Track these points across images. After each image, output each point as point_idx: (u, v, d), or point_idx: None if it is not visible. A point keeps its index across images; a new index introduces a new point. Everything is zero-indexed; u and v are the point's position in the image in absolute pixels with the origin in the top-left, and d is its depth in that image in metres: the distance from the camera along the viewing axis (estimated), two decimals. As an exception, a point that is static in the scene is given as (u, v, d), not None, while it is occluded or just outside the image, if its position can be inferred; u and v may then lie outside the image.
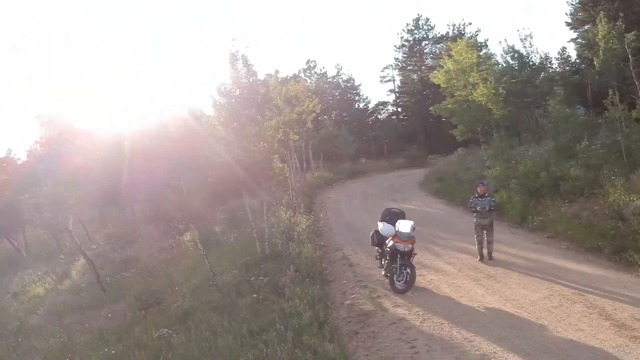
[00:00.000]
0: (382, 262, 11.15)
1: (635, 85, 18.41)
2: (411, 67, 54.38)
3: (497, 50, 74.05)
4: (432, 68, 43.68)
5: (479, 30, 48.50)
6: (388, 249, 10.47)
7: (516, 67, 25.27)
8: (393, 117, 55.90)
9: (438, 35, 52.11)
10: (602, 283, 9.10)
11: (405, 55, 54.09)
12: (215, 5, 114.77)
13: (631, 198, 11.85)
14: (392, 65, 54.49)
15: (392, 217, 11.09)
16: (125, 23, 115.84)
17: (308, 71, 53.36)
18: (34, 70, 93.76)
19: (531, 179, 16.01)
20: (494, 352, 6.85)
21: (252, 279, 11.85)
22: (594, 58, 19.32)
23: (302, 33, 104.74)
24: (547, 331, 7.31)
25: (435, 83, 29.31)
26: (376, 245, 11.40)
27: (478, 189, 11.73)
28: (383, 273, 10.98)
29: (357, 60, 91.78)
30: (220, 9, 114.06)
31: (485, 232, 11.53)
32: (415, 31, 52.73)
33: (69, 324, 13.48)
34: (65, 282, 19.50)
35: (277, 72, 40.98)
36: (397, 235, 10.29)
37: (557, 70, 29.57)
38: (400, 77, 54.84)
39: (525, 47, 25.30)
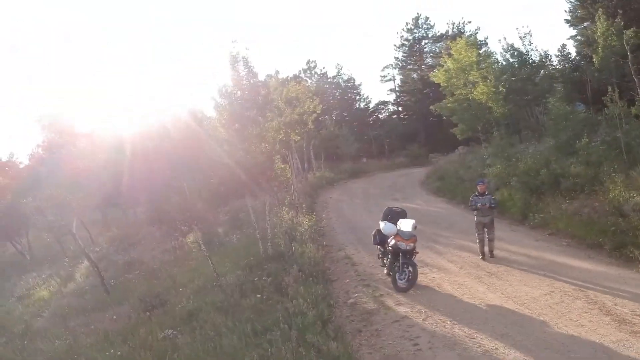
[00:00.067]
0: (385, 261, 11.23)
1: (634, 82, 18.45)
2: (411, 66, 54.41)
3: (496, 48, 74.35)
4: (432, 67, 43.75)
5: (478, 29, 48.55)
6: (390, 248, 10.55)
7: (516, 65, 25.31)
8: (394, 117, 55.94)
9: (438, 34, 52.15)
10: (603, 279, 9.18)
11: (405, 55, 54.14)
12: (215, 5, 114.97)
13: (631, 194, 11.90)
14: (392, 65, 54.58)
15: (393, 216, 11.17)
16: (125, 23, 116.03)
17: (308, 71, 53.46)
18: (34, 71, 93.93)
19: (532, 177, 16.06)
20: (496, 349, 6.93)
21: (255, 279, 11.93)
22: (593, 55, 19.37)
23: (302, 33, 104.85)
24: (549, 327, 7.39)
25: (435, 82, 29.38)
26: (378, 244, 11.49)
27: (478, 187, 11.79)
28: (385, 272, 11.06)
29: (357, 60, 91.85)
30: (220, 9, 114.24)
31: (486, 230, 11.60)
32: (415, 30, 52.76)
33: (74, 327, 13.56)
34: (70, 284, 19.61)
35: (277, 72, 41.16)
36: (398, 234, 10.37)
37: (557, 67, 29.61)
38: (401, 77, 54.90)
39: (524, 45, 25.37)
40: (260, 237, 14.47)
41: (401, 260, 10.24)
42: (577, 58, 28.51)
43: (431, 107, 30.96)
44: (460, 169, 25.01)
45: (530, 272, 10.17)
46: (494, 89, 23.42)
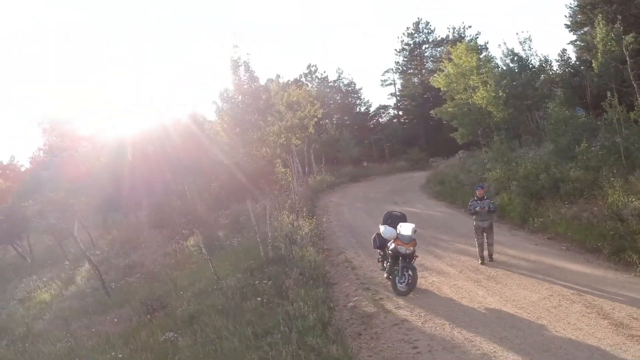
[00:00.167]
0: (384, 265, 11.30)
1: (633, 87, 18.54)
2: (412, 71, 54.61)
3: (497, 52, 74.42)
4: (432, 71, 43.91)
5: (478, 34, 48.86)
6: (390, 252, 10.61)
7: (516, 70, 25.40)
8: (394, 121, 56.09)
9: (438, 39, 52.35)
10: (601, 283, 9.24)
11: (406, 59, 54.33)
12: (215, 5, 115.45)
13: (630, 199, 11.95)
14: (392, 69, 54.79)
15: (393, 220, 11.25)
16: (125, 23, 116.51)
17: (309, 76, 53.60)
18: (33, 71, 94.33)
19: (531, 181, 16.14)
20: (494, 352, 6.99)
21: (256, 282, 12.00)
22: (593, 60, 19.47)
23: (302, 33, 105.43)
24: (547, 330, 7.45)
25: (436, 87, 29.50)
26: (378, 248, 11.55)
27: (477, 192, 11.87)
28: (385, 275, 11.12)
29: (357, 60, 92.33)
30: (220, 9, 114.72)
31: (485, 234, 11.66)
32: (416, 35, 52.95)
33: (75, 329, 13.61)
34: (71, 287, 19.66)
35: (278, 76, 41.33)
36: (398, 238, 10.43)
37: (557, 72, 29.71)
38: (401, 81, 55.08)
39: (524, 50, 25.47)
40: (261, 240, 14.53)
41: (401, 264, 10.31)
42: (577, 63, 28.60)
43: (431, 112, 31.09)
44: (461, 173, 25.06)
45: (529, 276, 10.24)
46: (494, 94, 23.52)
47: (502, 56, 26.61)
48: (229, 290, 11.69)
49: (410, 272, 10.25)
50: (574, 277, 9.79)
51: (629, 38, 17.78)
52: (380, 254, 11.65)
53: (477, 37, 46.76)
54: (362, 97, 56.22)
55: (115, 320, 13.34)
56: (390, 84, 55.34)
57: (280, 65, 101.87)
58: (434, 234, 15.44)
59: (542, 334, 7.35)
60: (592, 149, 15.76)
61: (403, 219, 11.34)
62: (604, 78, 19.29)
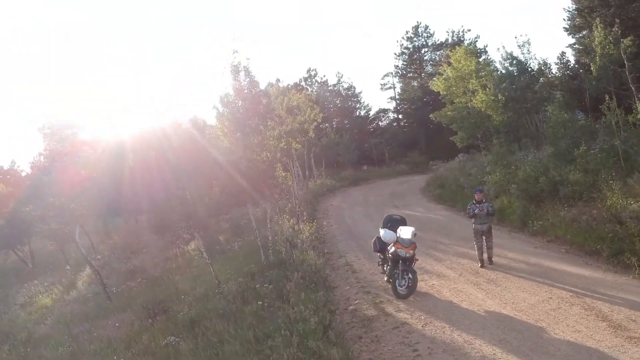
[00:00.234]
0: (385, 268, 11.36)
1: (631, 90, 18.62)
2: (411, 75, 54.77)
3: (496, 56, 74.67)
4: (432, 75, 44.03)
5: (478, 37, 48.96)
6: (390, 255, 10.67)
7: (515, 74, 25.49)
8: (394, 124, 56.19)
9: (437, 42, 52.50)
10: (600, 285, 9.30)
11: (405, 63, 54.48)
12: (215, 5, 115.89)
13: (628, 202, 12.01)
14: (392, 73, 54.91)
15: (393, 223, 11.31)
16: (125, 23, 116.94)
17: (309, 80, 53.75)
18: (34, 71, 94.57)
19: (531, 184, 16.22)
20: (494, 354, 7.05)
21: (257, 286, 12.05)
22: (591, 64, 19.55)
23: (302, 34, 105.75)
24: (546, 333, 7.51)
25: (435, 91, 29.61)
26: (378, 252, 11.62)
27: (476, 195, 11.94)
28: (385, 279, 11.18)
29: (357, 64, 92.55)
30: (220, 9, 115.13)
31: (484, 237, 11.72)
32: (415, 38, 53.12)
33: (77, 334, 13.63)
34: (72, 292, 19.67)
35: (278, 80, 41.52)
36: (398, 242, 10.50)
37: (556, 75, 29.80)
38: (401, 85, 55.22)
39: (523, 53, 25.55)
40: (262, 244, 14.60)
41: (401, 267, 10.37)
42: (576, 66, 28.69)
43: (431, 116, 31.18)
44: (461, 176, 25.12)
45: (528, 279, 10.29)
46: (493, 97, 23.59)
47: (501, 60, 26.75)
48: (230, 294, 11.75)
49: (410, 275, 10.31)
50: (573, 280, 9.84)
51: (627, 41, 17.86)
52: (380, 258, 11.72)
53: (477, 41, 46.92)
54: (361, 101, 56.36)
55: (117, 324, 13.39)
56: (390, 87, 55.51)
57: (280, 67, 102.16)
58: (434, 237, 15.49)
59: (541, 336, 7.41)
60: (591, 152, 15.83)
61: (403, 222, 11.40)
62: (603, 81, 19.35)
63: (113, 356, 10.43)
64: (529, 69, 25.67)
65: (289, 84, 42.40)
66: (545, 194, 15.46)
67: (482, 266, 11.67)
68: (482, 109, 24.25)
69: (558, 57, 30.55)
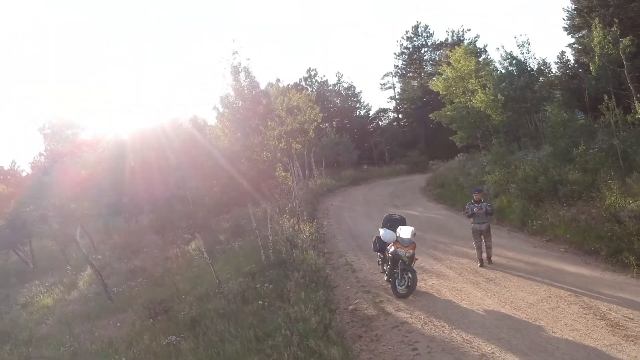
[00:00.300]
0: (384, 268, 11.42)
1: (631, 89, 18.65)
2: (411, 74, 54.86)
3: (496, 55, 74.73)
4: (431, 75, 44.10)
5: (477, 37, 49.06)
6: (390, 255, 10.74)
7: (515, 73, 25.52)
8: (394, 124, 56.29)
9: (437, 42, 52.62)
10: (598, 285, 9.36)
11: (405, 63, 54.63)
12: (215, 5, 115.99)
13: (627, 201, 12.07)
14: (392, 73, 55.06)
15: (393, 223, 11.38)
16: (125, 23, 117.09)
17: (309, 79, 53.82)
18: (34, 71, 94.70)
19: (530, 184, 16.28)
20: (492, 353, 7.11)
21: (257, 286, 12.11)
22: (590, 63, 19.58)
23: (302, 33, 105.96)
24: (544, 331, 7.57)
25: (435, 91, 29.65)
26: (378, 251, 11.68)
27: (474, 196, 12.01)
28: (385, 278, 11.24)
29: (357, 63, 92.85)
30: (220, 9, 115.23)
31: (483, 237, 11.78)
32: (415, 38, 53.24)
33: (78, 333, 13.67)
34: (73, 292, 19.72)
35: (278, 80, 41.56)
36: (398, 241, 10.56)
37: (556, 74, 29.83)
38: (401, 84, 55.31)
39: (522, 53, 25.58)
40: (262, 244, 14.65)
41: (401, 266, 10.43)
42: (575, 66, 28.74)
43: (430, 115, 31.20)
44: (460, 175, 25.19)
45: (527, 278, 10.35)
46: (492, 97, 23.62)
47: (500, 59, 26.77)
48: (230, 294, 11.80)
49: (410, 275, 10.37)
50: (572, 279, 9.90)
51: (625, 41, 17.87)
52: (380, 257, 11.78)
53: (476, 40, 47.11)
54: (361, 101, 56.57)
55: (118, 324, 13.44)
56: (390, 87, 55.66)
57: (280, 66, 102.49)
58: (434, 237, 15.55)
59: (540, 335, 7.46)
60: (590, 151, 15.87)
61: (402, 222, 11.47)
62: (602, 81, 19.38)
63: (115, 356, 10.47)
64: (529, 69, 25.70)
65: (289, 84, 42.57)
66: (545, 193, 15.51)
67: (481, 265, 11.72)
68: (482, 109, 24.27)
69: (558, 57, 30.68)
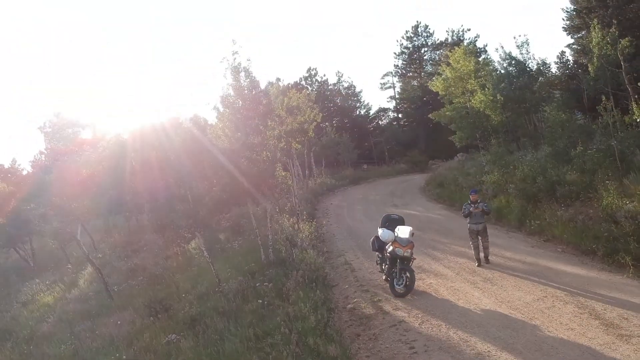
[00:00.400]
0: (383, 267, 11.53)
1: (628, 90, 18.74)
2: (411, 74, 54.93)
3: (495, 56, 74.74)
4: (431, 74, 44.17)
5: (477, 36, 49.07)
6: (388, 254, 10.83)
7: (514, 74, 25.59)
8: (394, 123, 56.38)
9: (437, 42, 52.68)
10: (594, 285, 9.45)
11: (405, 62, 54.69)
12: (215, 5, 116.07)
13: (624, 202, 12.14)
14: (392, 72, 55.13)
15: (391, 223, 11.49)
16: (125, 23, 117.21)
17: (309, 79, 53.89)
18: (34, 71, 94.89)
19: (529, 184, 16.36)
20: (489, 351, 7.21)
21: (257, 284, 12.23)
22: (589, 64, 19.67)
23: (303, 33, 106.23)
24: (539, 330, 7.67)
25: (434, 91, 29.74)
26: (377, 251, 11.79)
27: (471, 196, 12.11)
28: (384, 277, 11.34)
29: (357, 63, 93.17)
30: (220, 9, 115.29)
31: (480, 237, 11.87)
32: (415, 38, 53.29)
33: (79, 331, 13.80)
34: (74, 290, 19.82)
35: (278, 80, 41.63)
36: (396, 241, 10.66)
37: (556, 74, 29.91)
38: (400, 84, 55.39)
39: (522, 53, 25.66)
40: (262, 243, 14.76)
41: (399, 266, 10.53)
42: (574, 66, 28.82)
43: (430, 115, 31.30)
44: (460, 175, 25.28)
45: (524, 278, 10.44)
46: (491, 97, 23.70)
47: (499, 60, 26.85)
48: (230, 293, 11.91)
49: (408, 274, 10.48)
50: (568, 279, 9.99)
51: (624, 42, 17.95)
52: (378, 257, 11.88)
53: (476, 40, 47.16)
54: (361, 100, 56.60)
55: (119, 322, 13.54)
56: (390, 87, 55.75)
57: (280, 65, 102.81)
58: (433, 237, 15.65)
59: (535, 334, 7.56)
60: (588, 152, 15.95)
61: (401, 222, 11.57)
62: (600, 82, 19.48)
63: (115, 354, 10.59)
64: (528, 69, 25.78)
65: (289, 83, 42.59)
66: (543, 193, 15.59)
67: (479, 265, 11.82)
68: (481, 109, 24.36)
69: (557, 57, 30.74)
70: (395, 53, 54.56)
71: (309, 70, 54.77)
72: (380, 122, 57.14)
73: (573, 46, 29.17)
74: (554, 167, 16.48)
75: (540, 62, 26.53)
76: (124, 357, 10.24)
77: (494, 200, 17.65)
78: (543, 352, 6.92)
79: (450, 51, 28.28)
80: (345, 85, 55.76)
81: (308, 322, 9.02)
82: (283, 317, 9.54)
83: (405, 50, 53.84)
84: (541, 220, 14.37)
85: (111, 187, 22.35)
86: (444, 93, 27.63)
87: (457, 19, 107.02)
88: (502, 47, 30.50)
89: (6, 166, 41.54)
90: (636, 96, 17.73)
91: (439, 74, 29.61)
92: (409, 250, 10.59)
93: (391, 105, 56.78)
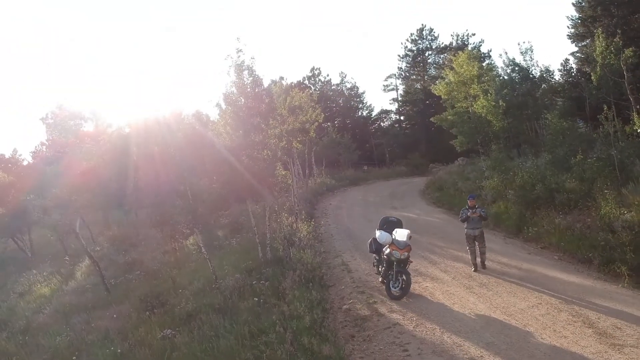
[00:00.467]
0: (379, 269, 11.56)
1: (630, 100, 18.78)
2: (414, 77, 54.92)
3: (499, 61, 74.83)
4: (435, 78, 44.14)
5: (482, 41, 49.05)
6: (385, 257, 10.87)
7: (517, 80, 25.63)
8: (396, 126, 56.37)
9: (442, 46, 52.66)
10: (589, 293, 9.49)
11: (409, 65, 54.65)
12: (215, 5, 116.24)
13: (622, 211, 12.18)
14: (395, 75, 55.09)
15: (389, 225, 11.52)
16: (125, 23, 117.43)
17: (312, 79, 53.94)
18: (34, 70, 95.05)
19: (528, 191, 16.38)
20: (481, 356, 7.25)
21: (253, 282, 12.28)
22: (592, 73, 19.71)
23: (303, 33, 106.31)
24: (533, 337, 7.71)
25: (437, 95, 29.77)
26: (374, 253, 11.80)
27: (469, 201, 12.16)
28: (380, 279, 11.38)
29: (360, 64, 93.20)
30: (220, 8, 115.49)
31: (476, 243, 11.91)
32: (419, 41, 53.26)
33: (74, 324, 13.83)
34: (71, 282, 19.85)
35: (282, 78, 41.66)
36: (394, 243, 10.68)
37: (559, 81, 29.93)
38: (403, 87, 55.38)
39: (525, 60, 25.70)
40: (260, 241, 14.79)
41: (395, 268, 10.56)
42: (578, 74, 28.84)
43: (432, 119, 31.37)
44: (459, 180, 25.30)
45: (519, 284, 10.49)
46: (494, 103, 23.73)
47: (503, 66, 26.88)
48: (226, 290, 11.96)
49: (404, 277, 10.51)
50: (564, 287, 10.04)
51: (628, 52, 17.99)
52: (375, 259, 11.91)
53: (481, 45, 47.15)
54: (364, 101, 56.60)
55: (115, 316, 13.58)
56: (393, 89, 55.71)
57: (284, 64, 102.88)
58: (430, 240, 15.69)
59: (528, 341, 7.60)
60: (588, 160, 15.99)
61: (399, 224, 11.61)
62: (602, 91, 19.52)
63: (110, 347, 10.63)
64: (531, 76, 25.81)
65: (292, 82, 42.61)
66: (542, 200, 15.63)
67: (475, 270, 11.86)
68: (483, 114, 24.39)
69: (561, 64, 30.75)
70: (399, 55, 54.60)
71: (312, 69, 54.89)
72: (382, 123, 57.18)
73: (577, 54, 29.20)
74: (553, 175, 16.51)
75: (543, 69, 26.58)
76: (119, 350, 10.28)
77: (492, 205, 17.70)
78: (536, 359, 6.97)
79: (454, 55, 28.30)
80: (349, 85, 55.84)
81: (303, 321, 9.07)
82: (278, 315, 9.59)
83: (410, 53, 53.83)
84: (539, 227, 14.42)
85: (112, 181, 22.38)
86: (446, 97, 27.68)
87: (462, 19, 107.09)
88: (506, 53, 30.62)
89: (7, 156, 41.62)
90: (638, 106, 17.79)
91: (442, 77, 29.65)
92: (406, 253, 10.63)
93: (393, 107, 56.83)
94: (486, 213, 12.36)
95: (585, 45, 26.82)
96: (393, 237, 10.79)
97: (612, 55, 18.47)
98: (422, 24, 60.98)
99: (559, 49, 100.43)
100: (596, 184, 14.61)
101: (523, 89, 25.02)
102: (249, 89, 14.67)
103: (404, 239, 10.64)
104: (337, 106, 54.76)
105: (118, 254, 22.79)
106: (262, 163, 14.69)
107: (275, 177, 15.42)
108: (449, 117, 28.13)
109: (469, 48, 40.86)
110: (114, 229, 29.18)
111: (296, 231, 16.86)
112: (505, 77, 26.29)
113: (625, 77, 18.15)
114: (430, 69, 53.51)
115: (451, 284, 11.09)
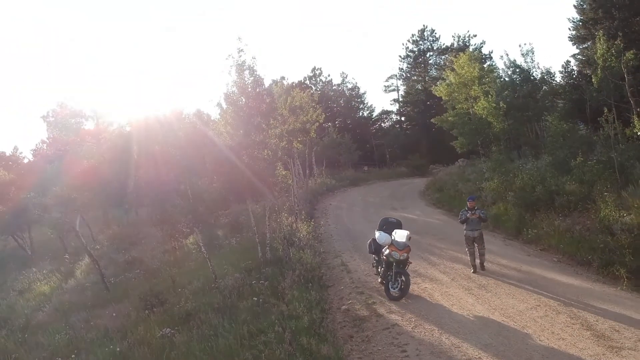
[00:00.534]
0: (379, 270, 11.56)
1: (631, 103, 18.80)
2: (415, 78, 54.95)
3: (500, 63, 74.86)
4: (436, 79, 44.19)
5: (483, 43, 49.09)
6: (384, 257, 10.87)
7: (518, 82, 25.63)
8: (396, 126, 56.43)
9: (443, 47, 52.70)
10: (588, 296, 9.50)
11: (410, 66, 54.71)
12: (215, 5, 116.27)
13: (621, 214, 12.19)
14: (396, 75, 55.15)
15: (389, 226, 11.53)
16: (125, 23, 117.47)
17: (314, 79, 53.98)
18: (34, 70, 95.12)
19: (528, 192, 16.41)
20: (479, 358, 7.26)
21: (253, 282, 12.29)
22: (593, 76, 19.72)
23: (303, 33, 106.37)
24: (531, 339, 7.72)
25: (437, 96, 29.79)
26: (373, 253, 11.81)
27: (468, 203, 12.16)
28: (379, 280, 11.38)
29: (362, 62, 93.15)
30: (220, 8, 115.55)
31: (475, 244, 11.92)
32: (420, 42, 53.33)
33: (74, 322, 13.87)
34: (70, 281, 19.90)
35: (283, 78, 41.67)
36: (393, 244, 10.69)
37: (560, 83, 29.93)
38: (404, 87, 55.42)
39: (526, 62, 25.71)
40: (259, 241, 14.82)
41: (394, 269, 10.57)
42: (579, 76, 28.82)
43: (432, 120, 31.39)
44: (459, 181, 25.31)
45: (518, 286, 10.49)
46: (494, 105, 23.74)
47: (504, 67, 26.89)
48: (226, 289, 11.97)
49: (403, 278, 10.52)
50: (563, 289, 10.04)
51: (629, 55, 18.00)
52: (374, 259, 11.92)
53: (482, 47, 47.16)
54: (365, 102, 56.68)
55: (114, 314, 13.62)
56: (394, 89, 55.80)
57: (286, 64, 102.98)
58: (430, 241, 15.69)
59: (526, 343, 7.61)
60: (588, 163, 16.00)
61: (398, 225, 11.62)
62: (603, 93, 19.53)
63: (109, 345, 10.64)
64: (532, 78, 25.81)
65: (293, 82, 42.65)
66: (541, 202, 15.64)
67: (474, 272, 11.87)
68: (483, 116, 24.41)
69: (562, 66, 30.72)
70: (400, 56, 54.70)
71: (313, 69, 54.98)
72: (382, 124, 57.25)
73: (578, 56, 29.17)
74: (553, 177, 16.53)
75: (544, 71, 26.61)
76: (118, 349, 10.30)
77: (492, 207, 17.70)
78: (533, 360, 6.98)
79: (455, 56, 28.32)
80: (349, 86, 55.89)
81: (302, 321, 9.08)
82: (277, 315, 9.60)
83: (411, 54, 53.89)
84: (538, 229, 14.43)
85: (112, 180, 22.43)
86: (447, 98, 27.71)
87: (462, 28, 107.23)
88: (507, 54, 30.61)
89: (7, 154, 41.66)
90: (638, 109, 17.80)
91: (443, 79, 29.68)
92: (405, 254, 10.63)
93: (394, 108, 56.89)
94: (486, 215, 12.38)
95: (586, 48, 26.79)
96: (392, 238, 10.80)
97: (613, 57, 18.47)
98: (424, 25, 61.05)
99: (560, 51, 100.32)
100: (596, 187, 14.61)
101: (524, 90, 25.03)
102: (250, 89, 14.69)
103: (404, 240, 10.65)
104: (338, 106, 54.80)
105: (118, 252, 22.85)
106: (262, 163, 14.73)
107: (276, 177, 15.45)
108: (449, 118, 28.15)
109: (470, 49, 40.81)
110: (114, 227, 29.25)
111: (296, 231, 16.89)
112: (506, 79, 26.33)
113: (626, 79, 18.16)
114: (431, 70, 53.56)
115: (450, 285, 11.10)
